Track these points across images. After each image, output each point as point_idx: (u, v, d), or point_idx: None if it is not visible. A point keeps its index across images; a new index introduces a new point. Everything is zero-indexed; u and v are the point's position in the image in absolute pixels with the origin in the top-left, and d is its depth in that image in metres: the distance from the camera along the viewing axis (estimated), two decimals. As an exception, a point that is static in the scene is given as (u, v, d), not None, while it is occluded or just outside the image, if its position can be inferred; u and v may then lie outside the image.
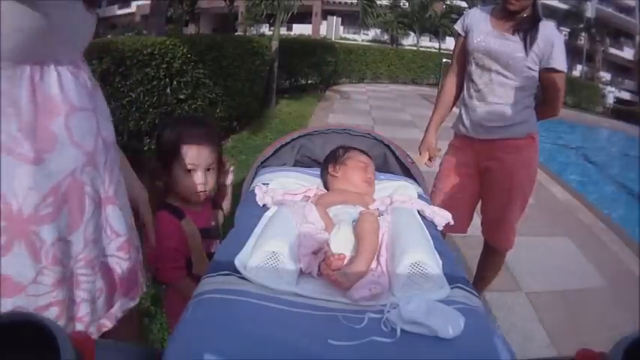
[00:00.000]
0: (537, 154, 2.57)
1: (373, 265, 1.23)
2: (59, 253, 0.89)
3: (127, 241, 1.08)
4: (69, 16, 0.90)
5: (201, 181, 1.60)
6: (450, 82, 2.78)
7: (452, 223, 1.63)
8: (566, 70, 2.45)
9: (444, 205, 2.12)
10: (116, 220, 1.04)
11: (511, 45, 2.31)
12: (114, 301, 1.07)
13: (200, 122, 1.68)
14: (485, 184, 2.62)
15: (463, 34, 2.54)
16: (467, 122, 2.55)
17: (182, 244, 1.57)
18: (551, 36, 2.35)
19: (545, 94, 2.50)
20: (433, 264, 1.17)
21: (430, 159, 2.83)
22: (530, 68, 2.35)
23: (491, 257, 2.87)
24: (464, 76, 2.58)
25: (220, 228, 1.82)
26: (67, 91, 0.90)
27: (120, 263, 1.07)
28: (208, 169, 1.62)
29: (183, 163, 1.56)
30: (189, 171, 1.58)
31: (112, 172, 1.02)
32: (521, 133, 2.43)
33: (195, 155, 1.57)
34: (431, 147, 2.84)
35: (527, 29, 2.30)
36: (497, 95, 2.39)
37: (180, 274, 1.59)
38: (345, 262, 1.19)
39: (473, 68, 2.46)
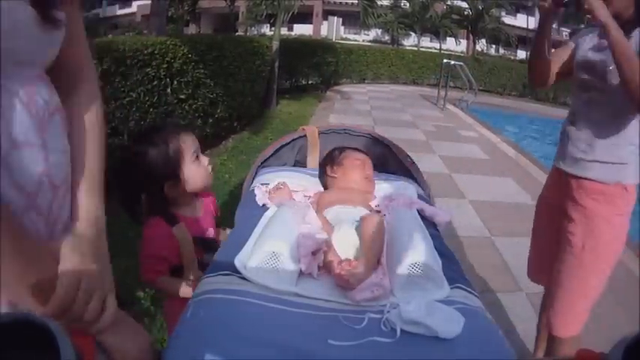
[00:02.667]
0: (627, 218, 2.00)
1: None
2: None
3: None
4: (16, 28, 0.78)
5: (206, 160, 1.66)
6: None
7: (452, 222, 1.63)
8: None
9: (533, 249, 2.29)
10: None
11: (608, 54, 1.81)
12: None
13: (165, 123, 1.74)
14: (561, 234, 2.11)
15: (573, 45, 2.16)
16: (559, 148, 2.16)
17: (171, 250, 1.56)
18: None
19: None
20: (433, 264, 1.17)
21: None
22: None
23: (549, 342, 2.29)
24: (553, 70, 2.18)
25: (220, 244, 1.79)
26: (8, 123, 0.78)
27: None
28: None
29: (189, 155, 1.59)
30: (197, 158, 1.62)
31: (60, 215, 0.90)
32: (611, 177, 1.93)
33: (192, 141, 1.62)
34: None
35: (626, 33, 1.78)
36: (592, 119, 1.97)
37: (156, 276, 1.59)
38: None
39: (574, 88, 2.09)
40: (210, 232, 1.72)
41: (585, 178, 1.97)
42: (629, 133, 1.90)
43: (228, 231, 1.82)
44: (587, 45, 2.03)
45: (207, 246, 1.65)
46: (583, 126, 1.99)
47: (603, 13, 1.73)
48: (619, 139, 1.91)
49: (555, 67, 2.19)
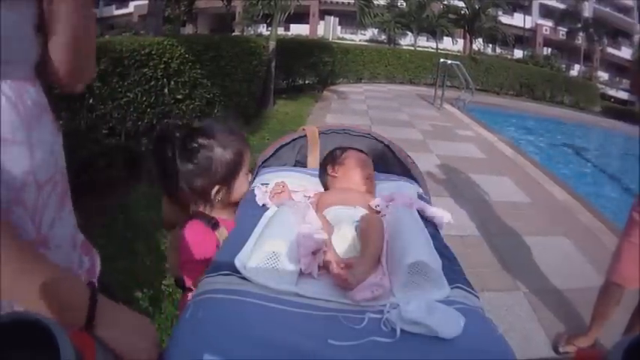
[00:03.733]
0: None
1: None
2: None
3: None
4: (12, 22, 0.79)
5: (250, 177, 1.70)
6: None
7: (452, 222, 1.63)
8: None
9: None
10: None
11: None
12: None
13: (230, 123, 1.72)
14: None
15: None
16: None
17: (208, 254, 1.54)
18: None
19: None
20: (433, 264, 1.16)
21: None
22: None
23: None
24: None
25: None
26: None
27: None
28: None
29: (246, 168, 1.62)
30: (246, 173, 1.64)
31: (45, 212, 0.91)
32: None
33: (249, 156, 1.64)
34: None
35: None
36: None
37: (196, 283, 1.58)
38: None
39: None
40: None
41: None
42: None
43: None
44: None
45: None
46: None
47: None
48: None
49: None
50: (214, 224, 1.55)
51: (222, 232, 1.55)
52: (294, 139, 2.06)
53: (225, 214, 1.64)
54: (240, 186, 1.62)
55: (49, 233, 0.92)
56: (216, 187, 1.55)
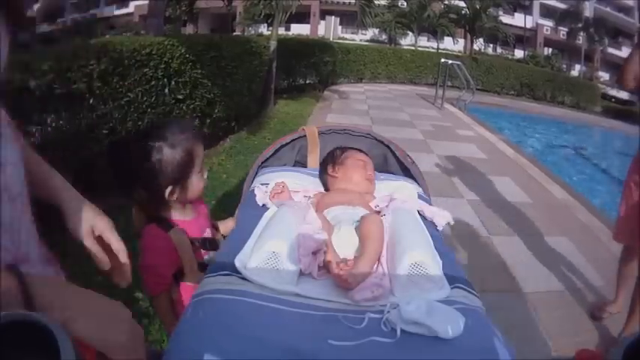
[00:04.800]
0: None
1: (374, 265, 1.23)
2: None
3: None
4: None
5: (206, 172, 1.65)
6: None
7: (452, 222, 1.63)
8: None
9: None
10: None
11: None
12: None
13: (184, 123, 1.70)
14: None
15: None
16: None
17: (172, 256, 1.53)
18: None
19: None
20: (433, 264, 1.17)
21: None
22: None
23: None
24: None
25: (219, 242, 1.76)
26: None
27: None
28: None
29: (199, 165, 1.57)
30: (200, 171, 1.59)
31: (19, 228, 0.88)
32: None
33: (202, 151, 1.60)
34: None
35: None
36: None
37: (160, 289, 1.56)
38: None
39: None
40: (208, 232, 1.69)
41: None
42: None
43: (229, 221, 1.83)
44: None
45: (207, 245, 1.63)
46: None
47: None
48: None
49: None
50: (167, 225, 1.54)
51: (177, 232, 1.53)
52: (294, 139, 2.06)
53: (184, 214, 1.62)
54: (194, 184, 1.58)
55: (28, 248, 0.90)
56: (169, 188, 1.51)
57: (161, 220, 1.56)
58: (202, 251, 1.62)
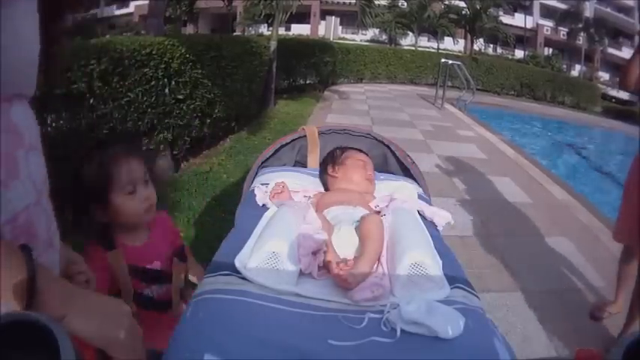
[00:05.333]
0: None
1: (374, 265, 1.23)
2: None
3: None
4: (33, 42, 0.83)
5: (144, 195, 1.50)
6: None
7: (452, 222, 1.63)
8: None
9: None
10: (54, 265, 0.95)
11: None
12: None
13: (114, 141, 1.58)
14: None
15: None
16: None
17: (106, 279, 1.41)
18: None
19: None
20: (433, 264, 1.17)
21: None
22: None
23: None
24: None
25: (178, 279, 1.60)
26: (27, 127, 0.85)
27: None
28: (146, 182, 1.52)
29: (122, 187, 1.45)
30: (131, 193, 1.47)
31: (50, 218, 0.94)
32: None
33: (128, 172, 1.46)
34: None
35: None
36: None
37: None
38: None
39: None
40: (156, 263, 1.56)
41: None
42: None
43: (198, 267, 1.69)
44: None
45: (148, 278, 1.52)
46: None
47: None
48: None
49: None
50: (109, 244, 1.45)
51: (116, 255, 1.44)
52: (294, 139, 2.06)
53: (132, 238, 1.52)
54: (123, 208, 1.45)
55: (53, 236, 0.94)
56: (96, 206, 1.44)
57: (104, 238, 1.47)
58: (144, 283, 1.51)
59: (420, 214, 1.57)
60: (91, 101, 3.76)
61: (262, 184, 1.76)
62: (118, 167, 1.45)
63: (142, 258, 1.52)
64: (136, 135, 4.43)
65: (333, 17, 35.00)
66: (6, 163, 0.79)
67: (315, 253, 1.22)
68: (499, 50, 38.82)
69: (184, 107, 5.20)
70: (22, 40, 0.79)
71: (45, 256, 0.90)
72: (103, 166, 1.43)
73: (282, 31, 18.78)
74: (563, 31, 37.01)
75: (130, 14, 36.90)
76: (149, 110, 4.55)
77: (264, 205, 1.61)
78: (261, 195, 1.66)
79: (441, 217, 1.62)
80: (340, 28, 36.53)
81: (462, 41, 31.67)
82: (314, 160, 2.04)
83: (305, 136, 2.06)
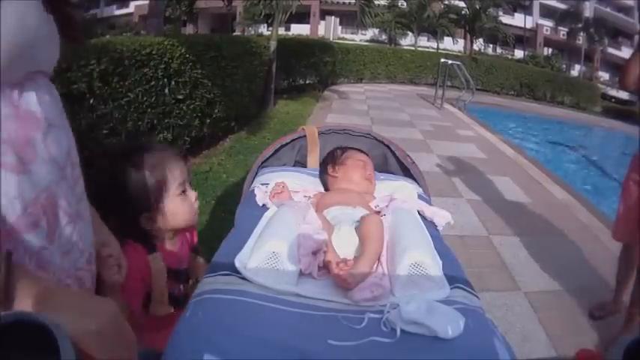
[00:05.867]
0: None
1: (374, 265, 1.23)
2: (44, 261, 0.86)
3: (91, 255, 1.03)
4: (45, 23, 0.86)
5: (194, 196, 1.50)
6: None
7: (452, 222, 1.63)
8: None
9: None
10: (84, 236, 0.99)
11: None
12: None
13: (150, 143, 1.53)
14: None
15: None
16: None
17: (145, 281, 1.40)
18: None
19: None
20: (433, 264, 1.17)
21: None
22: None
23: None
24: None
25: (191, 272, 1.63)
26: (44, 107, 0.87)
27: (87, 277, 1.01)
28: (190, 183, 1.51)
29: (174, 188, 1.43)
30: (183, 192, 1.46)
31: (77, 189, 0.99)
32: None
33: (181, 171, 1.45)
34: None
35: None
36: None
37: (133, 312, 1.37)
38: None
39: None
40: (184, 263, 1.57)
41: None
42: None
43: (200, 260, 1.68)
44: None
45: (179, 278, 1.53)
46: None
47: None
48: None
49: None
50: (151, 248, 1.43)
51: (157, 259, 1.42)
52: (294, 139, 2.06)
53: (168, 242, 1.50)
54: (175, 211, 1.43)
55: (80, 206, 0.99)
56: (144, 215, 1.40)
57: (146, 239, 1.44)
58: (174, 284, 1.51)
59: (420, 214, 1.57)
60: (91, 101, 3.76)
61: (262, 184, 1.76)
62: (173, 166, 1.43)
63: (177, 261, 1.52)
64: (136, 135, 4.43)
65: (333, 17, 35.02)
66: (22, 149, 0.82)
67: (315, 253, 1.22)
68: (499, 50, 38.82)
69: (184, 107, 5.20)
70: (24, 24, 0.79)
71: (70, 228, 0.93)
72: (154, 172, 1.39)
73: (281, 31, 18.77)
74: (562, 31, 37.01)
75: (130, 14, 36.90)
76: (149, 110, 4.55)
77: (264, 205, 1.61)
78: (261, 195, 1.66)
79: (441, 217, 1.62)
80: (340, 28, 36.55)
81: (461, 41, 31.69)
82: (314, 160, 2.04)
83: (305, 136, 2.06)
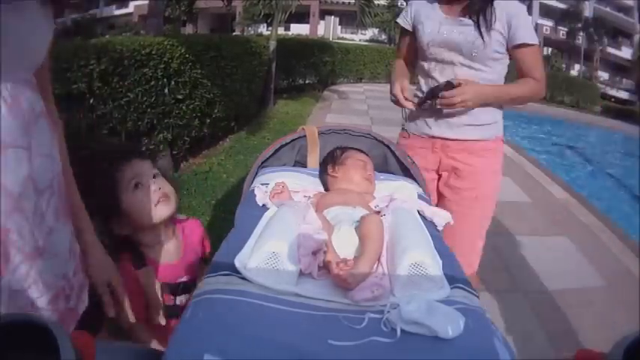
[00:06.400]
0: (502, 162, 2.37)
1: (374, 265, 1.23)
2: None
3: (55, 294, 0.94)
4: (18, 21, 0.77)
5: (152, 187, 1.47)
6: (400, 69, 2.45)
7: (452, 222, 1.63)
8: (537, 43, 2.04)
9: None
10: (45, 274, 0.90)
11: (468, 30, 1.98)
12: None
13: (103, 144, 1.57)
14: (444, 191, 2.28)
15: (410, 28, 2.27)
16: (430, 120, 2.20)
17: (138, 294, 1.39)
18: (510, 8, 1.97)
19: (522, 76, 2.11)
20: (433, 264, 1.17)
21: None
22: (497, 52, 2.02)
23: None
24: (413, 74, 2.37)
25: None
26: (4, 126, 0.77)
27: (48, 316, 0.92)
28: (154, 175, 1.48)
29: (124, 184, 1.42)
30: (136, 185, 1.44)
31: (45, 219, 0.89)
32: (490, 134, 2.18)
33: (132, 167, 1.44)
34: (404, 87, 2.18)
35: (479, 9, 1.96)
36: None
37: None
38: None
39: (431, 65, 2.17)
40: (185, 276, 1.56)
41: (472, 140, 2.15)
42: None
43: None
44: (435, 18, 2.10)
45: (179, 291, 1.52)
46: None
47: (468, 103, 1.97)
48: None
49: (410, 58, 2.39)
50: (140, 260, 1.43)
51: (148, 273, 1.42)
52: (293, 139, 2.06)
53: (161, 252, 1.49)
54: (131, 205, 1.40)
55: (47, 242, 0.90)
56: (114, 220, 1.39)
57: (135, 253, 1.44)
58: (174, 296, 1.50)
59: (420, 214, 1.57)
60: (91, 101, 3.76)
61: (262, 184, 1.76)
62: (124, 165, 1.42)
63: (175, 275, 1.51)
64: (136, 135, 4.44)
65: (333, 17, 35.03)
66: None
67: (315, 253, 1.21)
68: (499, 50, 38.84)
69: (184, 107, 5.20)
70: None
71: (26, 267, 0.85)
72: (107, 171, 1.39)
73: (281, 30, 18.76)
74: (562, 31, 37.02)
75: (130, 14, 36.88)
76: (149, 110, 4.55)
77: (264, 205, 1.61)
78: (261, 195, 1.66)
79: (441, 217, 1.62)
80: (339, 27, 36.54)
81: (461, 41, 31.66)
82: (314, 160, 2.04)
83: (304, 136, 2.06)
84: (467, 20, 1.99)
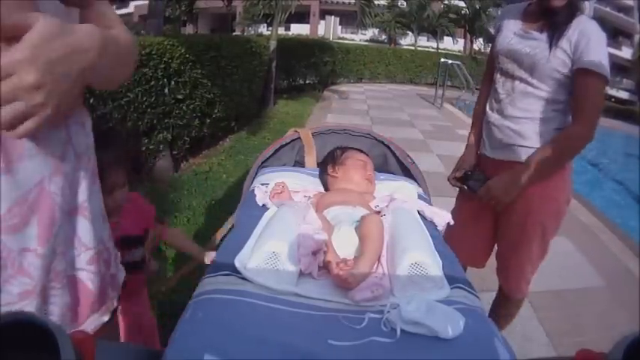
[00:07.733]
0: (567, 186, 2.16)
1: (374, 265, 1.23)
2: (27, 263, 0.83)
3: (96, 254, 0.99)
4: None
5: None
6: (483, 94, 2.30)
7: (452, 222, 1.63)
8: (604, 74, 1.78)
9: (457, 237, 1.98)
10: (86, 232, 0.96)
11: (536, 44, 1.88)
12: (82, 317, 1.00)
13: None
14: (500, 215, 2.18)
15: (495, 33, 2.16)
16: (485, 139, 2.15)
17: None
18: (586, 30, 1.80)
19: (573, 106, 1.92)
20: (433, 264, 1.17)
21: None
22: (559, 71, 1.86)
23: (503, 303, 2.45)
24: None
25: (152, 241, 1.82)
26: None
27: (90, 277, 0.99)
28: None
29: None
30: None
31: (82, 182, 0.94)
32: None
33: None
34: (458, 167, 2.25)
35: (557, 23, 1.84)
36: (519, 108, 1.97)
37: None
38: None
39: (497, 75, 2.08)
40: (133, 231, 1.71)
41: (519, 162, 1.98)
42: (560, 117, 1.96)
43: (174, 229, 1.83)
44: (512, 28, 2.02)
45: (128, 244, 1.64)
46: (511, 114, 2.01)
47: (510, 197, 1.97)
48: (553, 124, 1.96)
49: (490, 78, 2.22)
50: None
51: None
52: (293, 140, 2.06)
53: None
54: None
55: (85, 202, 0.95)
56: None
57: None
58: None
59: (420, 214, 1.57)
60: (91, 101, 3.76)
61: (262, 184, 1.76)
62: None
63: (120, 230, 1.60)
64: (136, 135, 4.43)
65: (333, 17, 35.02)
66: (7, 146, 0.77)
67: (315, 253, 1.21)
68: (499, 50, 38.82)
69: (184, 107, 5.20)
70: None
71: (68, 226, 0.90)
72: None
73: (281, 30, 18.76)
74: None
75: (130, 14, 36.84)
76: (149, 110, 4.55)
77: (264, 205, 1.61)
78: (261, 195, 1.66)
79: (441, 217, 1.62)
80: (340, 27, 36.53)
81: (461, 41, 31.70)
82: (311, 160, 2.04)
83: (299, 138, 2.07)
84: (538, 34, 1.89)
